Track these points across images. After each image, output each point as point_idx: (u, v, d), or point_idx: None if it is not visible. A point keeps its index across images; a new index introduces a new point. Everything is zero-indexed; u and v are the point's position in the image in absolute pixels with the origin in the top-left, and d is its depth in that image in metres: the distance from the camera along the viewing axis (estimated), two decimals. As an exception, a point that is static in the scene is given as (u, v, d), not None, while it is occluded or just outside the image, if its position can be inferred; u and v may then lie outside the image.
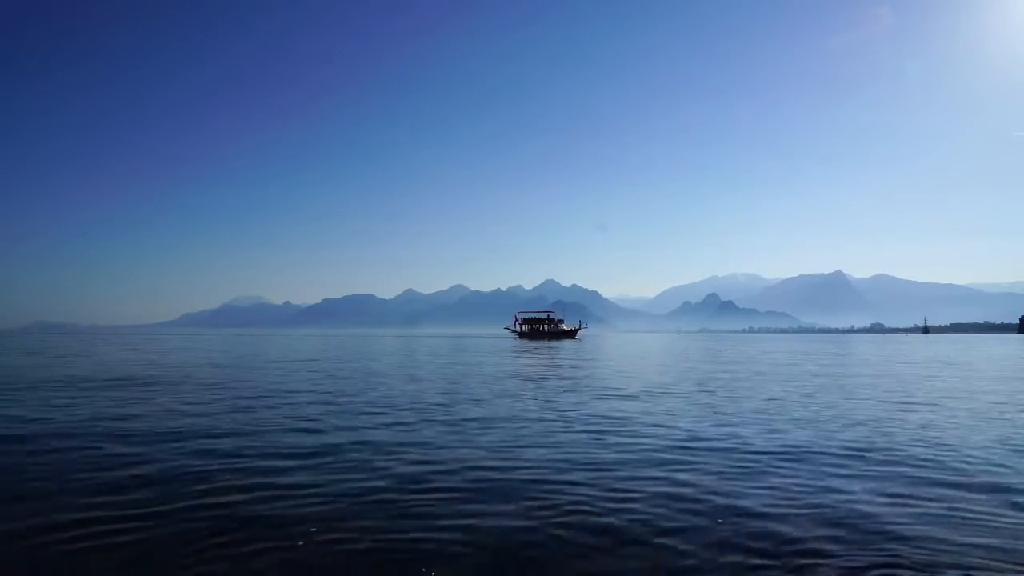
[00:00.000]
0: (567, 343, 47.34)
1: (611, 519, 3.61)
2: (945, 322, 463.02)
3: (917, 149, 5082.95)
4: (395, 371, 15.66)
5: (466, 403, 8.99)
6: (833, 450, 5.65)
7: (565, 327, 68.75)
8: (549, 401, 9.33)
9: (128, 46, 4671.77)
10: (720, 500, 3.97)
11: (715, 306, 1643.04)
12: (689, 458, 5.26)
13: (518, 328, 70.03)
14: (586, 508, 3.80)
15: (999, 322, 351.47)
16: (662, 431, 6.66)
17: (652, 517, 3.64)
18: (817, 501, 3.98)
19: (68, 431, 6.48)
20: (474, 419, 7.41)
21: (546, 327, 68.17)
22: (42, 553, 3.13)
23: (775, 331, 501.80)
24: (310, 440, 6.02)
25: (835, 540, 3.29)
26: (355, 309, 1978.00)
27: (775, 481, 4.50)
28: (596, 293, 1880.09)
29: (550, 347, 36.82)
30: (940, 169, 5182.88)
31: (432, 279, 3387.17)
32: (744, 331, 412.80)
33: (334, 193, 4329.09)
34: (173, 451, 5.50)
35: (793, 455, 5.45)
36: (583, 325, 73.33)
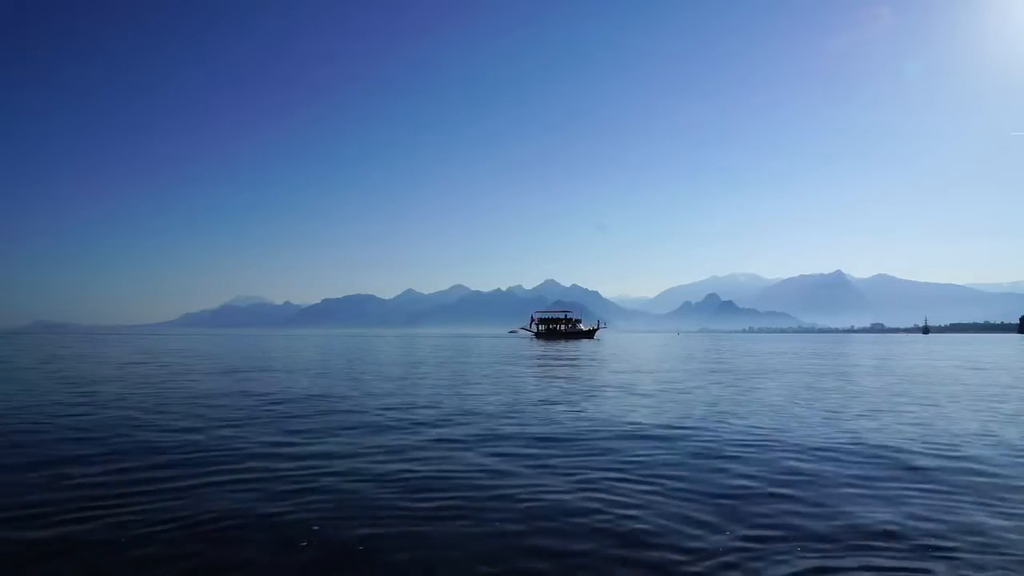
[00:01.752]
0: (585, 343, 45.42)
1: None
2: (945, 322, 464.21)
3: (917, 149, 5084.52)
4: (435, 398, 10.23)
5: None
6: None
7: (583, 327, 66.89)
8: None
9: (128, 46, 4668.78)
10: None
11: (715, 306, 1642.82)
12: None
13: (534, 328, 68.27)
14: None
15: (999, 322, 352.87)
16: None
17: None
18: None
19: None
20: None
21: (563, 327, 66.38)
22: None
23: (775, 331, 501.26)
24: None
25: None
26: (355, 309, 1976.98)
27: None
28: (596, 293, 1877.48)
29: (574, 348, 35.19)
30: (940, 169, 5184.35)
31: (432, 279, 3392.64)
32: (744, 331, 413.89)
33: (334, 193, 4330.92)
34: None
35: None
36: (601, 325, 70.83)
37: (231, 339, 58.34)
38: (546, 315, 69.00)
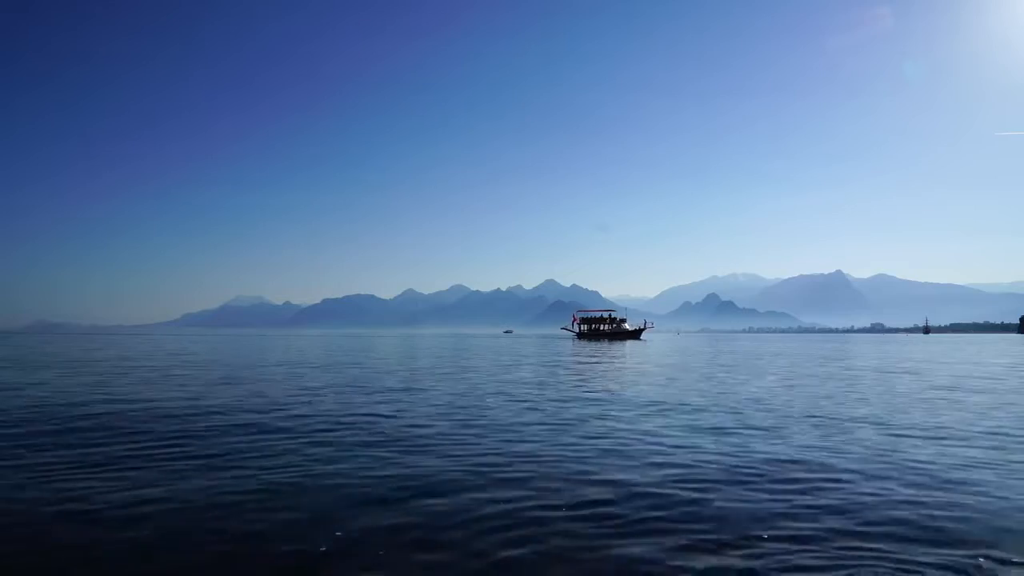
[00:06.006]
0: (629, 344, 44.31)
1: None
2: (945, 322, 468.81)
3: (917, 149, 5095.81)
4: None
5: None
6: None
7: (627, 326, 64.93)
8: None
9: (128, 46, 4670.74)
10: None
11: (715, 306, 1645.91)
12: None
13: (577, 328, 67.74)
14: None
15: (999, 322, 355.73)
16: None
17: None
18: None
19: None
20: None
21: (606, 327, 65.06)
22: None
23: (775, 331, 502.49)
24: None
25: None
26: (355, 309, 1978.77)
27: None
28: (596, 293, 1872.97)
29: (629, 351, 32.66)
30: (940, 169, 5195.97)
31: (432, 279, 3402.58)
32: (744, 331, 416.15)
33: (334, 193, 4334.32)
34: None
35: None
36: (648, 325, 67.01)
37: (266, 340, 56.42)
38: (588, 315, 68.33)
